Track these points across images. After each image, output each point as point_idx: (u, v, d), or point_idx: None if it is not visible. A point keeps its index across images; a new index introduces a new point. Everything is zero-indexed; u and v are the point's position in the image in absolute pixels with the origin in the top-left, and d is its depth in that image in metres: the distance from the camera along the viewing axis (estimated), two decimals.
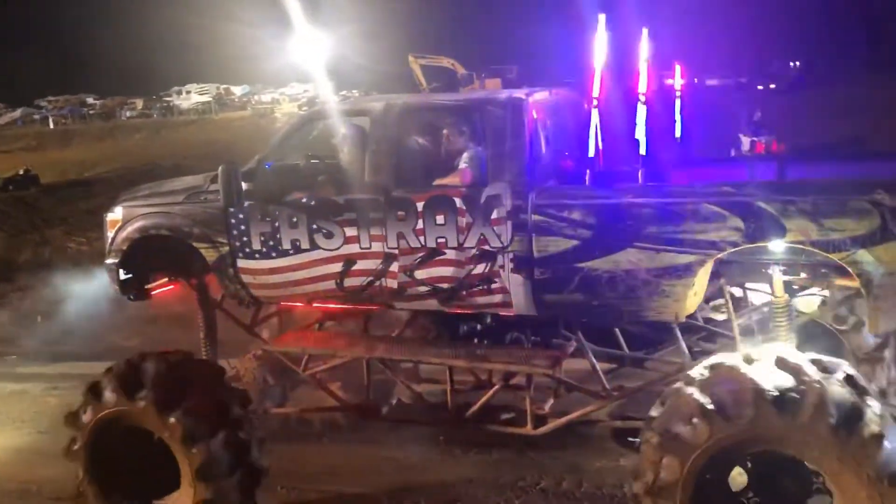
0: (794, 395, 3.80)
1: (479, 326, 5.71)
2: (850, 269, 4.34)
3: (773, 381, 3.86)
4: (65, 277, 12.29)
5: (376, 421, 6.07)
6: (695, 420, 3.96)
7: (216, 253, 5.70)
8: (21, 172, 24.36)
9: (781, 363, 3.95)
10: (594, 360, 5.39)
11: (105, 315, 9.75)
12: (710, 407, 3.93)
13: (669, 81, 6.45)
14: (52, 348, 9.51)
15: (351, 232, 5.36)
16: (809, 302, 5.13)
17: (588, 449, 6.05)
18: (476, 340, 5.69)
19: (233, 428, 4.99)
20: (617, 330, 5.74)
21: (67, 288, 11.38)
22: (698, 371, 4.16)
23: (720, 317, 5.42)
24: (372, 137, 5.42)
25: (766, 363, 3.99)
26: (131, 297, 6.11)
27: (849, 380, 3.90)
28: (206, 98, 50.91)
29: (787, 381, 3.85)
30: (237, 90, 53.88)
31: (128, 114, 50.44)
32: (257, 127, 35.49)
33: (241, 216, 5.58)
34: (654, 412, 4.22)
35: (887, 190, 4.24)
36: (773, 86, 32.23)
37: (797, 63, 43.37)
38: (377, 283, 5.38)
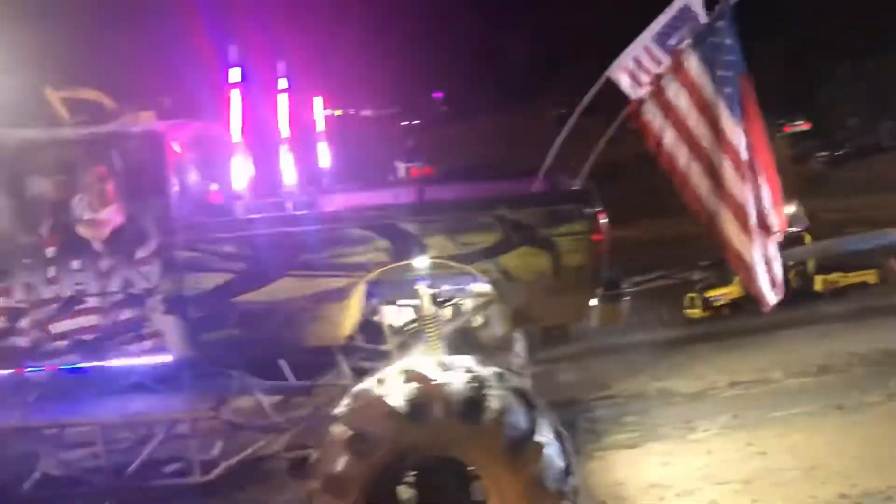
0: (417, 401, 3.98)
1: (134, 377, 5.30)
2: (483, 278, 4.80)
3: (400, 394, 4.01)
4: None
5: (20, 501, 5.33)
6: (343, 456, 4.01)
7: None
8: None
9: (406, 375, 4.12)
10: (261, 395, 5.30)
11: None
12: (352, 438, 4.01)
13: (323, 113, 6.63)
14: None
15: None
16: (454, 311, 5.54)
17: (270, 483, 5.86)
18: (132, 392, 5.28)
19: None
20: (282, 360, 5.70)
21: None
22: (341, 406, 4.21)
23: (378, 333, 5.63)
24: None
25: (395, 379, 4.13)
26: None
27: (469, 371, 4.14)
28: None
29: (413, 390, 4.01)
30: None
31: None
32: None
33: None
34: (339, 410, 4.21)
35: (509, 206, 4.76)
36: (417, 122, 34.57)
37: (441, 95, 47.30)
38: (4, 343, 4.74)
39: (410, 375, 4.09)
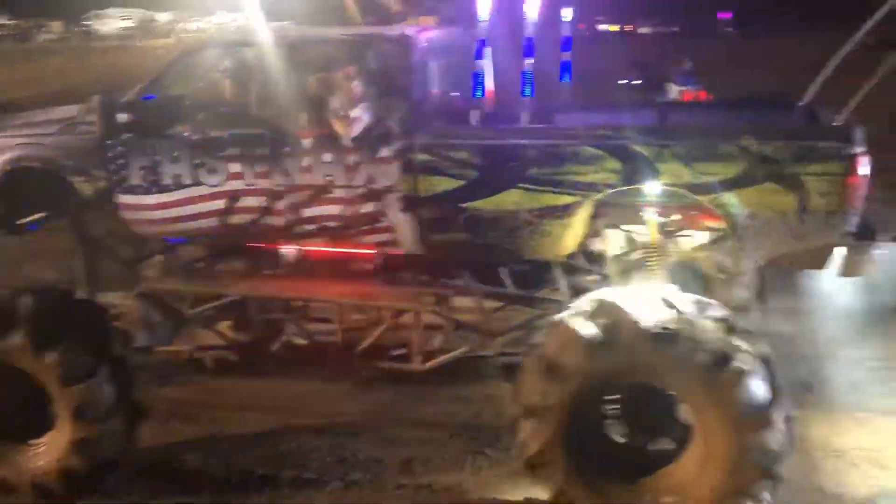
0: (669, 331, 3.90)
1: (368, 265, 5.72)
2: (717, 212, 4.50)
3: (651, 316, 3.95)
4: None
5: (267, 359, 6.05)
6: (574, 349, 4.04)
7: (93, 187, 5.52)
8: None
9: (662, 300, 4.05)
10: (480, 298, 5.48)
11: (21, 245, 9.41)
12: (590, 338, 4.00)
13: (602, 27, 6.47)
14: None
15: (235, 168, 5.24)
16: (682, 244, 5.27)
17: (482, 382, 6.16)
18: (365, 279, 5.70)
19: (114, 368, 4.89)
20: (502, 269, 5.82)
21: None
22: (582, 303, 4.23)
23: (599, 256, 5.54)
24: (260, 70, 5.29)
25: (647, 299, 4.08)
26: (2, 232, 5.87)
27: (722, 320, 4.02)
28: (128, 24, 48.62)
29: (665, 317, 3.95)
30: (161, 17, 51.57)
31: (44, 37, 47.82)
32: None
33: (119, 149, 5.39)
34: (537, 339, 4.31)
35: (754, 136, 4.38)
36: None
37: (729, 15, 43.96)
38: (263, 221, 5.31)
39: (665, 300, 4.02)
